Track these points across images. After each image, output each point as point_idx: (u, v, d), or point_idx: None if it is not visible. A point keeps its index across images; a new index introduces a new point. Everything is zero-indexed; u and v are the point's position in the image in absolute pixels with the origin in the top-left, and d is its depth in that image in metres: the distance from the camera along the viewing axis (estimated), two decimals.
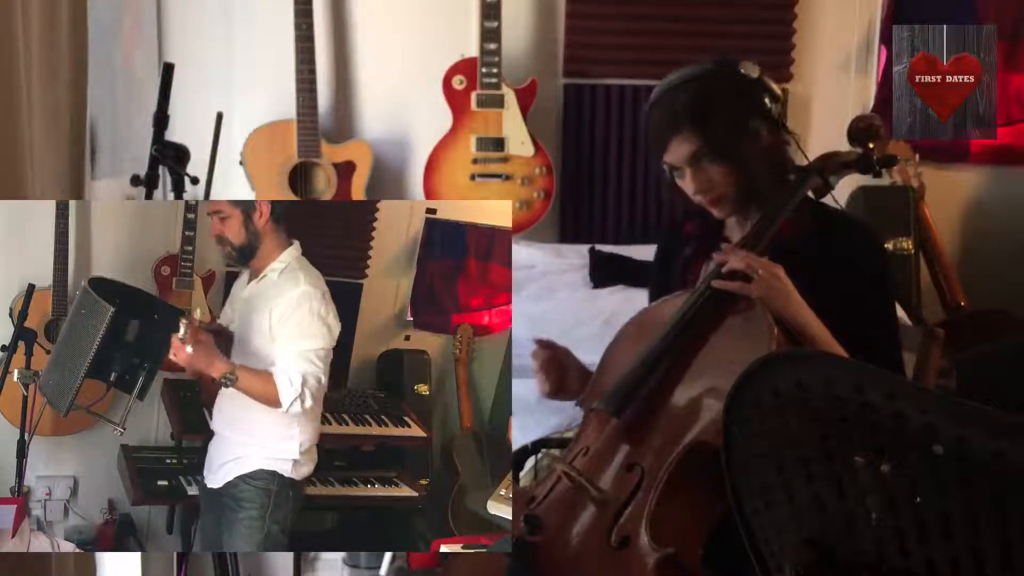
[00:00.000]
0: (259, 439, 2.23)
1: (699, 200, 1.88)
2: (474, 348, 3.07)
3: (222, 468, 2.27)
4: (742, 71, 1.85)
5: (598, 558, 1.60)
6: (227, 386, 2.11)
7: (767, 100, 1.86)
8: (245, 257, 2.26)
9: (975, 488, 1.05)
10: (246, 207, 2.23)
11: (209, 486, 2.31)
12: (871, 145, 1.96)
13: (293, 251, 2.27)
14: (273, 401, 2.14)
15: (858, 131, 1.98)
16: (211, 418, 2.37)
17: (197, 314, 2.14)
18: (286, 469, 2.23)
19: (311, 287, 2.19)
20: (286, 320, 2.17)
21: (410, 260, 3.10)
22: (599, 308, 3.28)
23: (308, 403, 2.15)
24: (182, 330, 2.05)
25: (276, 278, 2.23)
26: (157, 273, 2.81)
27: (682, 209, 1.97)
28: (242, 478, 2.22)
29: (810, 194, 1.92)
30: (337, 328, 2.24)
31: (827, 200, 1.97)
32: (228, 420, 2.29)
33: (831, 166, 1.94)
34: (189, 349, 2.05)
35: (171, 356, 2.09)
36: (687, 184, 1.87)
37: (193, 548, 2.48)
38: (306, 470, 2.29)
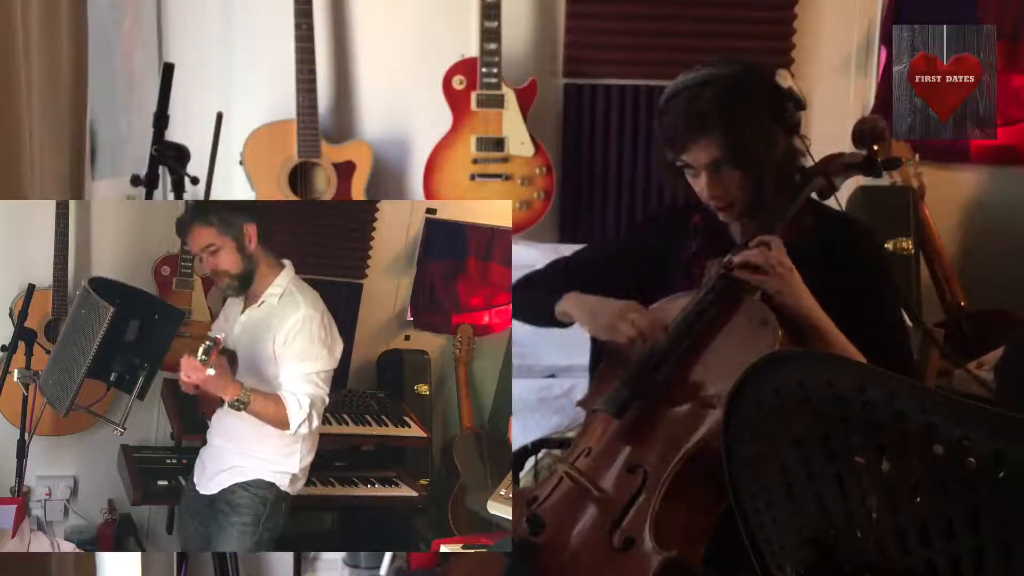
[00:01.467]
0: (260, 453, 2.24)
1: (708, 204, 1.87)
2: (474, 348, 3.07)
3: (218, 475, 2.27)
4: (776, 80, 1.83)
5: (600, 559, 1.60)
6: (239, 409, 2.11)
7: (793, 110, 1.84)
8: (246, 284, 2.24)
9: (975, 488, 1.05)
10: (235, 234, 2.20)
11: (202, 492, 2.31)
12: (875, 147, 1.96)
13: (288, 273, 2.26)
14: (283, 423, 2.16)
15: (862, 133, 1.98)
16: (209, 428, 2.37)
17: (222, 336, 2.14)
18: (284, 482, 2.25)
19: (312, 310, 2.19)
20: (289, 344, 2.17)
21: (410, 260, 3.10)
22: None
23: (315, 424, 2.18)
24: (201, 353, 2.02)
25: (276, 303, 2.22)
26: (157, 273, 2.81)
27: (684, 191, 1.95)
28: (240, 485, 2.23)
29: (814, 195, 1.92)
30: (338, 349, 2.25)
31: (828, 201, 1.97)
32: (229, 433, 2.28)
33: (835, 168, 1.94)
34: (211, 371, 2.04)
35: (184, 377, 2.07)
36: (700, 187, 1.85)
37: (178, 547, 2.48)
38: (300, 485, 2.31)
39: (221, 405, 2.28)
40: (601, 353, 1.98)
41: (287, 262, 2.29)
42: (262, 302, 2.24)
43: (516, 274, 3.15)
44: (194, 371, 2.05)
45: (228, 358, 2.20)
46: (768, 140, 1.82)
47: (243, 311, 2.28)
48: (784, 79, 1.84)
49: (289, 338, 2.17)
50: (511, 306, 2.22)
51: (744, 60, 1.88)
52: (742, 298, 1.76)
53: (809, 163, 1.94)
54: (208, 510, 2.28)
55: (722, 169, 1.81)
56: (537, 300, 2.07)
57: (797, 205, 1.87)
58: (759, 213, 1.88)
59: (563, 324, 2.03)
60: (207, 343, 2.05)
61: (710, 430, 1.61)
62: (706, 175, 1.82)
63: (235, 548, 2.24)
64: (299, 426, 2.15)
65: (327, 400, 2.23)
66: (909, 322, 2.14)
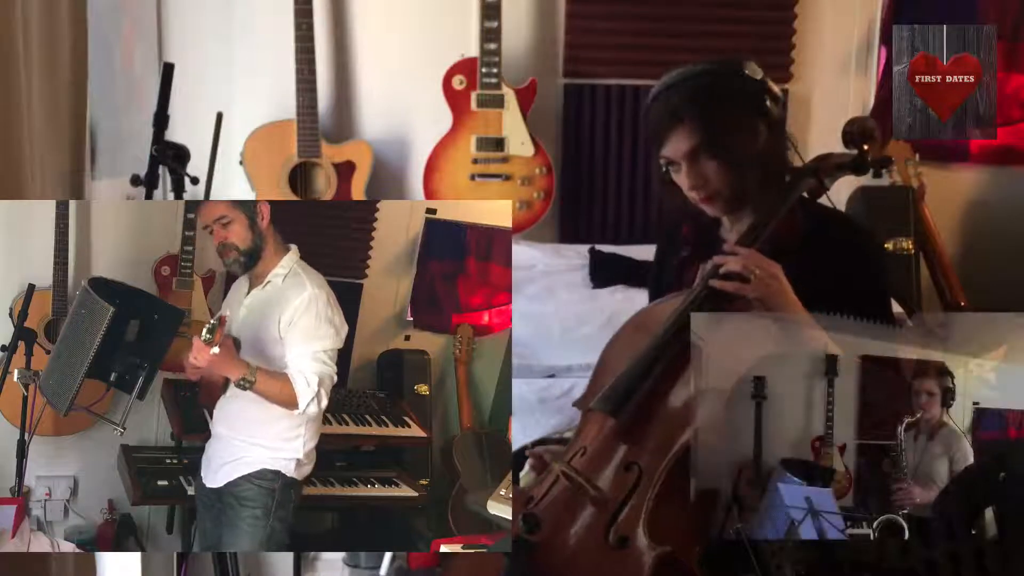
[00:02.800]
0: (264, 439, 2.24)
1: (693, 197, 1.88)
2: (474, 348, 3.07)
3: (223, 468, 2.27)
4: (745, 71, 1.86)
5: (596, 557, 1.61)
6: (245, 388, 2.11)
7: (768, 101, 1.86)
8: (252, 261, 2.25)
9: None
10: (248, 210, 2.22)
11: (208, 486, 2.31)
12: (865, 147, 1.97)
13: (293, 255, 2.28)
14: (291, 403, 2.16)
15: (852, 134, 1.99)
16: (211, 419, 2.37)
17: (227, 314, 2.14)
18: (289, 468, 2.25)
19: (317, 289, 2.21)
20: (295, 324, 2.18)
21: (410, 260, 3.10)
22: (599, 308, 3.28)
23: (324, 403, 2.18)
24: (206, 332, 2.03)
25: (281, 283, 2.24)
26: (157, 273, 2.81)
27: (677, 209, 1.96)
28: (246, 477, 2.23)
29: (806, 195, 1.93)
30: (344, 329, 2.26)
31: (823, 200, 1.98)
32: (232, 421, 2.28)
33: (825, 167, 1.96)
34: (216, 351, 2.04)
35: (191, 359, 2.08)
36: (682, 180, 1.87)
37: (193, 548, 2.49)
38: (307, 470, 2.30)
39: (223, 392, 2.29)
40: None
41: (293, 246, 2.30)
42: (267, 283, 2.25)
43: (516, 274, 3.17)
44: (201, 352, 2.05)
45: (233, 343, 2.20)
46: (746, 128, 1.85)
47: (248, 293, 2.29)
48: (754, 71, 1.86)
49: (295, 318, 2.18)
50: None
51: (718, 58, 1.91)
52: (734, 296, 1.76)
53: (796, 160, 1.96)
54: (218, 504, 2.29)
55: (700, 158, 1.84)
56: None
57: (788, 204, 1.88)
58: (746, 208, 1.89)
59: None
60: (212, 322, 2.05)
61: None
62: (685, 166, 1.85)
63: (247, 543, 2.24)
64: (308, 404, 2.15)
65: (335, 378, 2.22)
66: (909, 322, 2.14)
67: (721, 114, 1.83)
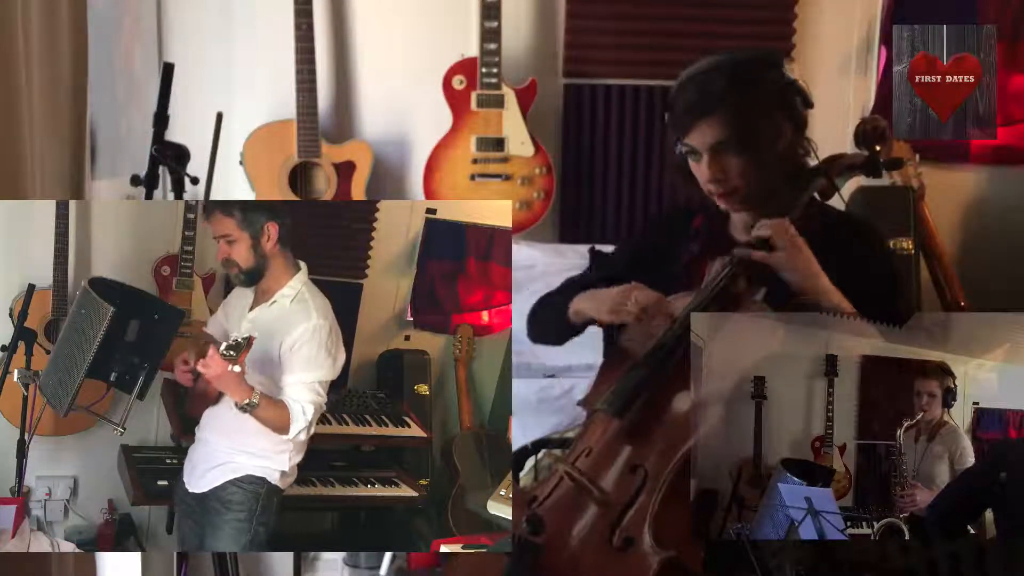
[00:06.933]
0: (252, 448, 2.24)
1: (709, 189, 1.86)
2: (474, 348, 3.07)
3: (209, 473, 2.28)
4: (785, 71, 1.84)
5: (600, 559, 1.61)
6: (245, 411, 2.11)
7: (800, 104, 1.85)
8: (253, 279, 2.25)
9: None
10: (254, 231, 2.20)
11: (192, 491, 2.31)
12: (877, 147, 1.96)
13: (302, 276, 2.26)
14: (284, 429, 2.17)
15: (864, 133, 1.99)
16: (199, 424, 2.37)
17: (256, 336, 2.09)
18: (274, 477, 2.26)
19: (322, 320, 2.20)
20: (297, 351, 2.17)
21: (410, 260, 3.10)
22: None
23: (311, 432, 2.20)
24: (226, 348, 1.99)
25: (288, 305, 2.22)
26: (157, 273, 2.81)
27: (685, 195, 1.94)
28: (232, 482, 2.24)
29: (816, 196, 1.92)
30: (341, 360, 2.26)
31: (832, 201, 1.97)
32: (221, 429, 2.28)
33: (837, 168, 1.94)
34: (236, 368, 2.01)
35: (199, 367, 2.05)
36: (701, 170, 1.85)
37: (178, 547, 2.49)
38: (290, 480, 2.32)
39: (215, 403, 2.29)
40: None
41: (303, 264, 2.28)
42: (273, 302, 2.24)
43: (516, 274, 3.17)
44: (217, 364, 2.01)
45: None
46: (773, 128, 1.83)
47: (251, 308, 2.29)
48: (792, 71, 1.84)
49: (297, 345, 2.17)
50: (528, 329, 2.20)
51: (757, 48, 1.88)
52: (743, 298, 1.76)
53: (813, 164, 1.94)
54: (200, 508, 2.29)
55: (725, 151, 1.81)
56: (554, 315, 2.07)
57: (800, 205, 1.87)
58: (761, 207, 1.88)
59: (580, 329, 2.02)
60: (238, 340, 2.01)
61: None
62: (708, 156, 1.82)
63: (230, 546, 2.24)
64: (298, 433, 2.17)
65: (324, 408, 2.24)
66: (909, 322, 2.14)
67: (755, 109, 1.80)
